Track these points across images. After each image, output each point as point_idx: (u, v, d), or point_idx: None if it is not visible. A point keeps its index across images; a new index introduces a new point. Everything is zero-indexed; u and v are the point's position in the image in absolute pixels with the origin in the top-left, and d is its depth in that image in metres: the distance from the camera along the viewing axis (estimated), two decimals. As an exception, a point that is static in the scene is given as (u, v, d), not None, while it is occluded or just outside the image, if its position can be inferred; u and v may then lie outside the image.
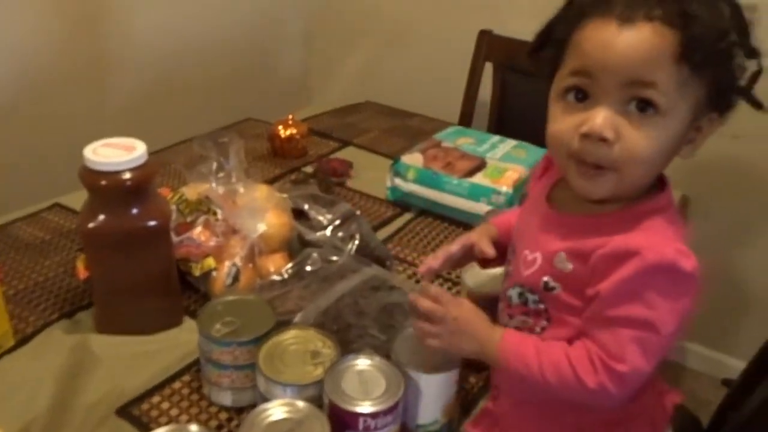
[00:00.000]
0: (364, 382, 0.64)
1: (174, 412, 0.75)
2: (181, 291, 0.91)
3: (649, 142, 0.58)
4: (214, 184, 0.88)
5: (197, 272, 0.90)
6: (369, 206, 1.23)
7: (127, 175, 0.77)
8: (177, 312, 0.88)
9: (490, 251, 0.75)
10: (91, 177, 0.76)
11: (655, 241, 0.58)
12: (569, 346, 0.62)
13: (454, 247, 0.78)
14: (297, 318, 0.79)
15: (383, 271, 0.90)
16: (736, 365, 1.90)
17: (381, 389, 0.64)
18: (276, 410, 0.61)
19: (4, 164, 1.41)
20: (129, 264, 0.81)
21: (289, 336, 0.72)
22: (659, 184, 0.65)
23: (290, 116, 1.41)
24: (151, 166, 0.80)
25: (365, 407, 0.61)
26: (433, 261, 0.78)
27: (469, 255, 0.79)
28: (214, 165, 0.89)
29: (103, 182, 0.76)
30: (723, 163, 1.57)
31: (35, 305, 0.90)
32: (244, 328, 0.73)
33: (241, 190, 0.90)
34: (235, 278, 0.89)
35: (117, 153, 0.77)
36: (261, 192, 0.97)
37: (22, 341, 0.84)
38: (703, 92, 0.58)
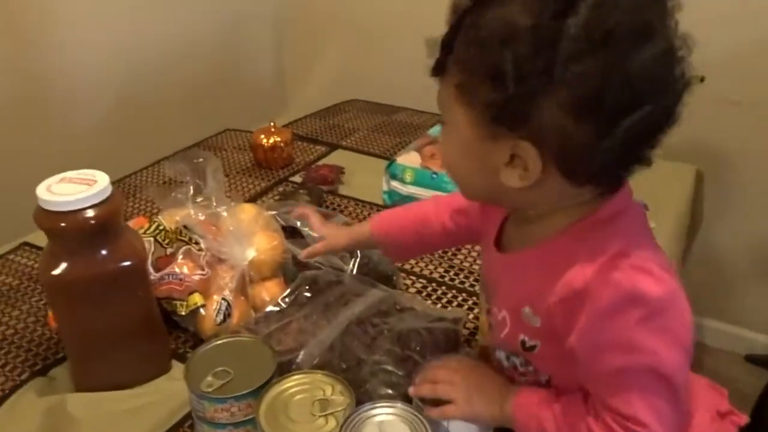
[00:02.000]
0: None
1: (168, 479, 0.65)
2: (167, 333, 0.82)
3: (444, 149, 0.58)
4: (191, 211, 0.78)
5: (183, 311, 0.80)
6: (366, 214, 1.13)
7: (90, 213, 0.67)
8: (163, 359, 0.78)
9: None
10: (48, 219, 0.66)
11: (603, 268, 0.50)
12: (589, 415, 0.53)
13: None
14: (300, 358, 0.69)
15: (390, 292, 0.81)
16: (757, 339, 1.83)
17: (405, 442, 0.54)
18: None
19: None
20: (102, 312, 0.70)
21: (293, 383, 0.62)
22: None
23: (272, 123, 1.30)
24: (117, 199, 0.69)
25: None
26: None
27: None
28: (191, 189, 0.79)
29: (63, 224, 0.66)
30: (730, 132, 1.48)
31: (3, 364, 0.80)
32: (239, 378, 0.63)
33: (224, 213, 0.80)
34: (227, 314, 0.79)
35: (76, 188, 0.67)
36: (247, 213, 0.87)
37: (-8, 408, 0.74)
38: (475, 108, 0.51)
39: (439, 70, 0.53)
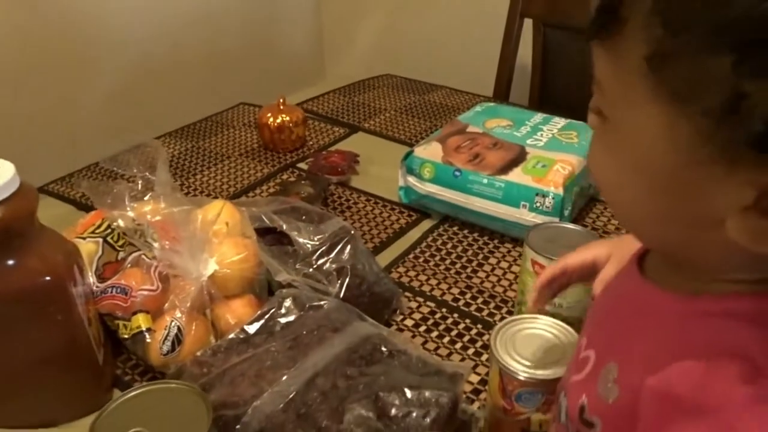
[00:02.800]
0: None
1: None
2: (112, 355, 0.68)
3: (600, 165, 0.36)
4: (130, 208, 0.63)
5: (125, 334, 0.65)
6: (377, 213, 0.96)
7: (-9, 215, 0.52)
8: (98, 391, 0.64)
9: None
10: (-66, 222, 0.52)
11: (750, 399, 0.29)
12: None
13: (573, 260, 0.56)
14: (246, 416, 0.54)
15: (380, 328, 0.64)
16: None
17: None
18: None
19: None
20: (12, 340, 0.57)
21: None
22: None
23: (281, 99, 1.14)
24: (26, 198, 0.55)
25: None
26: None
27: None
28: (140, 183, 0.64)
29: (-46, 229, 0.52)
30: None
31: None
32: (157, 442, 0.48)
33: (178, 214, 0.64)
34: (176, 342, 0.64)
35: (-30, 184, 0.52)
36: (214, 212, 0.71)
37: None
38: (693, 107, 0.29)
39: (607, 26, 0.31)
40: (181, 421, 0.51)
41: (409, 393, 0.54)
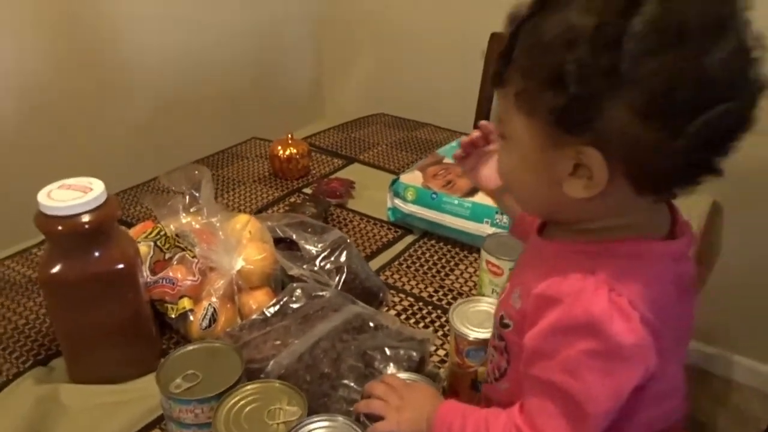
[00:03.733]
0: (325, 448, 0.58)
1: (138, 471, 0.70)
2: (159, 333, 0.87)
3: (502, 164, 0.58)
4: (184, 219, 0.83)
5: (173, 314, 0.85)
6: (369, 229, 1.16)
7: (85, 218, 0.72)
8: (151, 358, 0.82)
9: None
10: (46, 223, 0.72)
11: (590, 288, 0.49)
12: (491, 412, 0.56)
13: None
14: (269, 367, 0.73)
15: (369, 309, 0.83)
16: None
17: (343, 457, 0.57)
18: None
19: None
20: (93, 311, 0.76)
21: (252, 391, 0.66)
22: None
23: (289, 135, 1.35)
24: (111, 206, 0.75)
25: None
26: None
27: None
28: (187, 199, 0.84)
29: (60, 227, 0.72)
30: (753, 165, 1.44)
31: (11, 352, 0.87)
32: (206, 382, 0.67)
33: (216, 223, 0.84)
34: (212, 320, 0.84)
35: (72, 195, 0.72)
36: (241, 223, 0.92)
37: (-7, 392, 0.80)
38: (536, 115, 0.50)
39: (498, 80, 0.52)
40: (221, 368, 0.70)
41: (388, 351, 0.73)
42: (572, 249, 0.55)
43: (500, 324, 0.60)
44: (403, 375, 0.67)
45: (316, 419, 0.60)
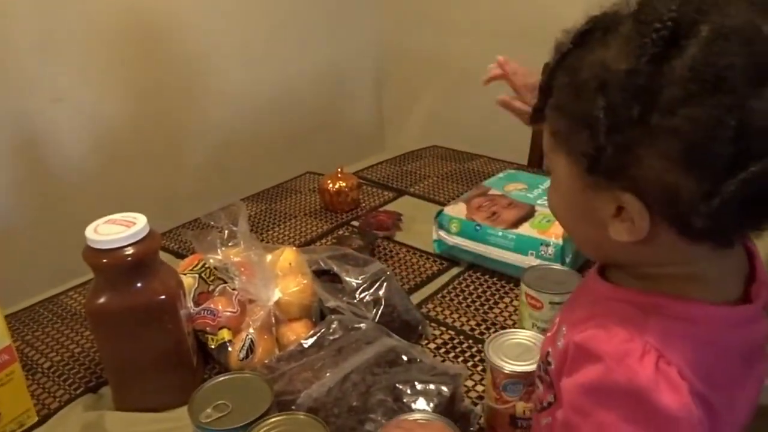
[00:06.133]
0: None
1: (172, 500, 0.71)
2: (204, 363, 0.89)
3: (550, 198, 0.56)
4: (221, 252, 0.85)
5: (213, 344, 0.87)
6: (414, 261, 1.16)
7: (129, 251, 0.76)
8: (192, 387, 0.83)
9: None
10: (93, 256, 0.76)
11: (636, 354, 0.45)
12: None
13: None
14: (300, 399, 0.73)
15: (403, 342, 0.82)
16: None
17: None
18: None
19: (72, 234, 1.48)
20: (136, 341, 0.79)
21: (279, 423, 0.66)
22: None
23: (339, 169, 1.37)
24: (153, 239, 0.78)
25: None
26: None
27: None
28: (226, 233, 0.87)
29: (105, 260, 0.75)
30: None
31: (65, 379, 0.91)
32: (235, 412, 0.68)
33: (253, 256, 0.86)
34: (250, 350, 0.85)
35: (117, 229, 0.76)
36: (285, 256, 0.93)
37: (46, 417, 0.84)
38: (573, 156, 0.48)
39: (537, 116, 0.51)
40: (251, 399, 0.70)
41: (418, 385, 0.72)
42: (624, 296, 0.51)
43: (545, 360, 0.57)
44: (418, 415, 0.66)
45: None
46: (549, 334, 0.60)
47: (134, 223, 0.77)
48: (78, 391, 0.88)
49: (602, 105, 0.43)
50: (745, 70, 0.40)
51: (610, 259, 0.55)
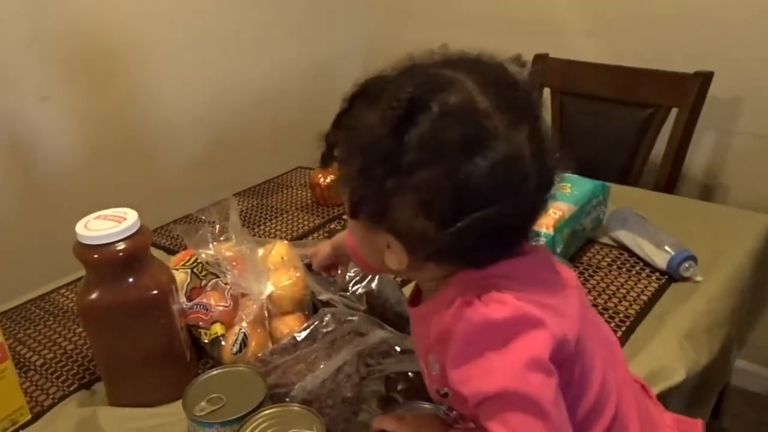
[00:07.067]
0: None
1: (167, 494, 0.71)
2: (197, 358, 0.89)
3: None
4: (213, 247, 0.85)
5: (206, 339, 0.87)
6: (406, 254, 1.16)
7: (120, 246, 0.76)
8: (185, 382, 0.83)
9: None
10: (83, 252, 0.76)
11: (459, 307, 0.53)
12: None
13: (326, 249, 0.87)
14: (294, 391, 0.73)
15: (396, 334, 0.83)
16: None
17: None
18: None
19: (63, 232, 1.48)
20: (128, 337, 0.79)
21: (273, 415, 0.67)
22: None
23: (330, 163, 1.37)
24: (144, 235, 0.78)
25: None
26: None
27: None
28: (217, 228, 0.87)
29: (95, 256, 0.75)
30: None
31: (58, 376, 0.91)
32: (229, 405, 0.69)
33: (245, 250, 0.86)
34: (243, 344, 0.85)
35: (108, 225, 0.76)
36: (277, 249, 0.93)
37: (39, 414, 0.84)
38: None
39: (324, 161, 0.58)
40: (246, 391, 0.71)
41: (411, 375, 0.73)
42: (441, 296, 0.57)
43: (443, 396, 0.60)
44: (412, 406, 0.66)
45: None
46: (427, 382, 0.63)
47: (125, 219, 0.77)
48: (71, 388, 0.88)
49: (358, 165, 0.53)
50: (460, 142, 0.49)
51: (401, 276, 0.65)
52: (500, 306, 0.51)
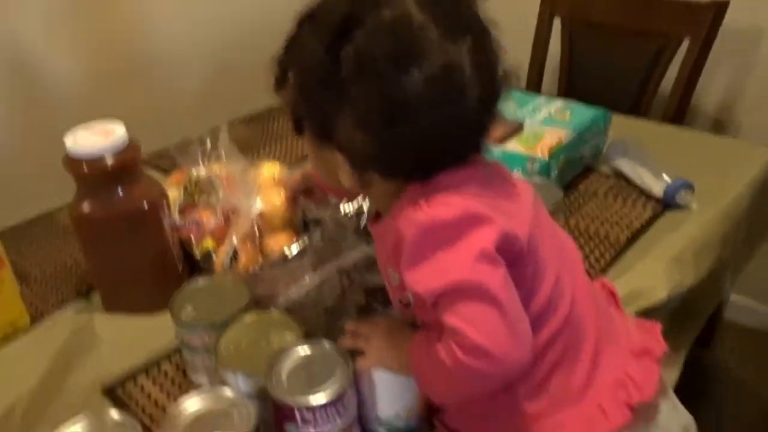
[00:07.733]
0: (310, 372, 0.60)
1: (157, 393, 0.75)
2: (189, 273, 0.91)
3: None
4: (203, 164, 0.86)
5: (197, 254, 0.89)
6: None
7: (109, 160, 0.77)
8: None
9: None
10: (73, 165, 0.77)
11: (408, 213, 0.54)
12: (439, 341, 0.55)
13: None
14: (278, 301, 0.75)
15: (381, 250, 0.84)
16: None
17: (326, 381, 0.58)
18: (196, 401, 0.58)
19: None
20: (120, 248, 0.81)
21: (255, 321, 0.69)
22: None
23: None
24: (133, 149, 0.79)
25: (302, 400, 0.57)
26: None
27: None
28: (209, 146, 0.88)
29: (85, 169, 0.77)
30: None
31: (57, 287, 0.94)
32: (213, 311, 0.71)
33: (236, 169, 0.87)
34: (234, 259, 0.87)
35: (96, 138, 0.77)
36: (268, 168, 0.94)
37: (38, 321, 0.87)
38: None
39: (278, 85, 0.60)
40: (230, 298, 0.73)
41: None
42: (393, 213, 0.58)
43: (405, 306, 0.61)
44: (391, 312, 0.68)
45: (305, 343, 0.62)
46: (391, 295, 0.65)
47: (113, 132, 0.78)
48: (69, 296, 0.91)
49: (299, 83, 0.56)
50: (392, 56, 0.50)
51: (356, 193, 0.70)
52: (446, 207, 0.53)
